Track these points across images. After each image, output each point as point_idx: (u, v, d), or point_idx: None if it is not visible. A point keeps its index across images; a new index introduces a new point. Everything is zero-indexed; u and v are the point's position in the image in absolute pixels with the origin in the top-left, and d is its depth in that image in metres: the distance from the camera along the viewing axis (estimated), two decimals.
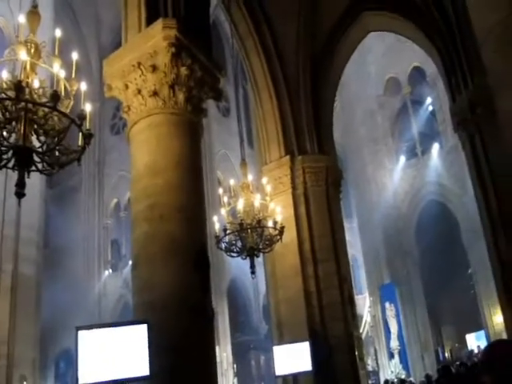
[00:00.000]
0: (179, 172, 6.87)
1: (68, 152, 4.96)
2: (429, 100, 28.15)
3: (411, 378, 19.75)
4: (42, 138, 4.76)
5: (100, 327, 5.73)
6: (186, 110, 7.30)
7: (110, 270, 28.95)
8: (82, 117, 4.87)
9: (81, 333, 5.25)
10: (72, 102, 4.94)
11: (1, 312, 19.64)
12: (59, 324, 23.55)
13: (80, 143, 4.97)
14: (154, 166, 6.86)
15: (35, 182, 22.46)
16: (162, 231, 6.48)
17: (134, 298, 6.64)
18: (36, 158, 4.69)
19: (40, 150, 4.73)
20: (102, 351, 5.22)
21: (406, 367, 24.03)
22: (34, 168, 4.68)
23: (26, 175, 4.57)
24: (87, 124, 4.98)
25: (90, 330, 5.41)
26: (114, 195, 29.96)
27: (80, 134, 4.96)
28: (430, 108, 28.32)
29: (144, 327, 5.44)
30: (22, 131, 4.53)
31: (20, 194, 4.56)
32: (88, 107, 4.97)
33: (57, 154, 4.87)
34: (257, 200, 8.74)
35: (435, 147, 26.86)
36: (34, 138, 4.71)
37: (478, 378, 2.37)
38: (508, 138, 5.38)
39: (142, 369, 5.32)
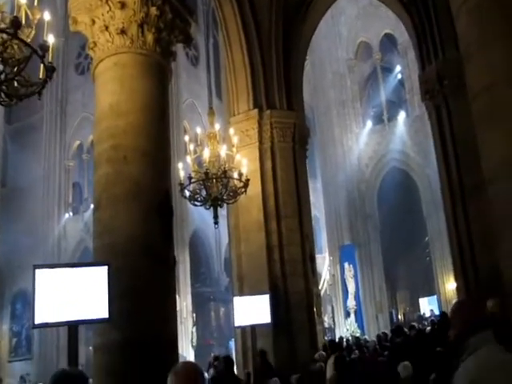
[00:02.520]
0: (145, 114, 6.68)
1: (28, 84, 4.74)
2: (398, 68, 28.20)
3: (365, 337, 20.31)
4: (1, 67, 4.51)
5: (59, 267, 5.60)
6: (155, 51, 7.08)
7: (71, 213, 28.45)
8: (45, 48, 4.63)
9: (38, 271, 5.09)
10: (33, 32, 4.68)
11: None
12: (16, 265, 23.26)
13: (41, 76, 4.73)
14: (118, 106, 6.64)
15: None
16: (125, 173, 6.33)
17: (94, 241, 6.51)
18: None
19: None
20: (61, 292, 5.06)
21: (361, 326, 24.70)
22: None
23: None
24: (50, 57, 4.74)
25: (49, 269, 5.25)
26: (77, 137, 29.20)
27: (42, 66, 4.72)
28: (399, 76, 28.42)
29: (104, 269, 5.31)
30: None
31: None
32: (51, 38, 4.72)
33: (16, 84, 4.64)
34: (223, 150, 8.60)
35: (401, 115, 27.02)
36: None
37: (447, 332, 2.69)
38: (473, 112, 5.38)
39: (101, 311, 5.21)
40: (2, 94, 4.62)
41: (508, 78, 5.03)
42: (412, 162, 26.35)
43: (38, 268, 5.07)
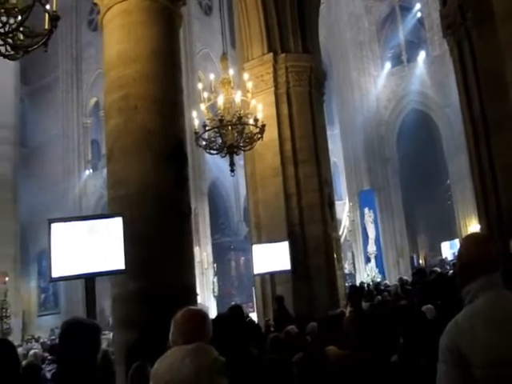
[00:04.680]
0: (153, 61, 6.48)
1: (33, 35, 4.58)
2: (417, 6, 27.16)
3: (386, 281, 20.39)
4: (4, 19, 4.36)
5: (74, 220, 5.59)
6: None
7: (91, 170, 28.67)
8: None
9: (54, 225, 5.09)
10: None
11: None
12: (40, 223, 23.57)
13: (46, 26, 4.57)
14: (126, 54, 6.46)
15: (9, 78, 21.81)
16: (136, 123, 6.20)
17: (108, 192, 6.47)
18: None
19: (2, 30, 4.34)
20: (77, 245, 5.08)
21: (381, 271, 24.79)
22: None
23: None
24: (54, 5, 4.56)
25: (64, 223, 5.25)
26: (93, 94, 29.05)
27: (46, 15, 4.55)
28: (418, 15, 27.45)
29: (119, 220, 5.29)
30: None
31: None
32: None
33: (21, 37, 4.50)
34: (237, 96, 8.39)
35: (421, 55, 26.24)
36: None
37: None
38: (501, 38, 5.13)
39: (117, 263, 5.23)
40: (8, 47, 4.48)
41: None
42: (432, 103, 25.82)
43: (53, 222, 5.06)
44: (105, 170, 26.13)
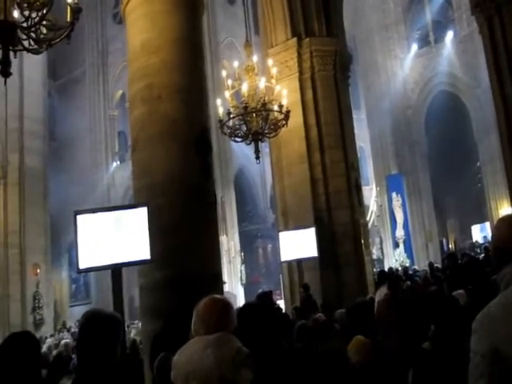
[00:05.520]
0: (177, 50, 6.46)
1: (55, 28, 4.59)
2: None
3: (415, 266, 20.18)
4: (26, 13, 4.37)
5: (99, 211, 5.61)
6: None
7: (118, 162, 28.96)
8: None
9: (80, 217, 5.12)
10: None
11: (10, 203, 20.06)
12: (70, 215, 23.77)
13: (68, 18, 4.57)
14: (149, 43, 6.44)
15: (37, 74, 22.14)
16: (160, 112, 6.19)
17: (133, 182, 6.51)
18: (22, 36, 4.34)
19: (25, 25, 4.35)
20: (103, 235, 5.10)
21: (410, 256, 24.51)
22: (20, 47, 4.34)
23: (11, 54, 4.23)
24: None
25: (89, 214, 5.28)
26: (119, 86, 29.25)
27: (68, 8, 4.55)
28: None
29: (144, 210, 5.29)
30: (2, 4, 4.14)
31: (5, 72, 4.22)
32: None
33: (44, 31, 4.51)
34: (262, 82, 8.33)
35: (449, 35, 25.64)
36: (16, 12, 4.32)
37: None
38: None
39: (143, 253, 5.23)
40: (31, 41, 4.50)
41: None
42: (461, 84, 25.29)
43: (79, 214, 5.09)
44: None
